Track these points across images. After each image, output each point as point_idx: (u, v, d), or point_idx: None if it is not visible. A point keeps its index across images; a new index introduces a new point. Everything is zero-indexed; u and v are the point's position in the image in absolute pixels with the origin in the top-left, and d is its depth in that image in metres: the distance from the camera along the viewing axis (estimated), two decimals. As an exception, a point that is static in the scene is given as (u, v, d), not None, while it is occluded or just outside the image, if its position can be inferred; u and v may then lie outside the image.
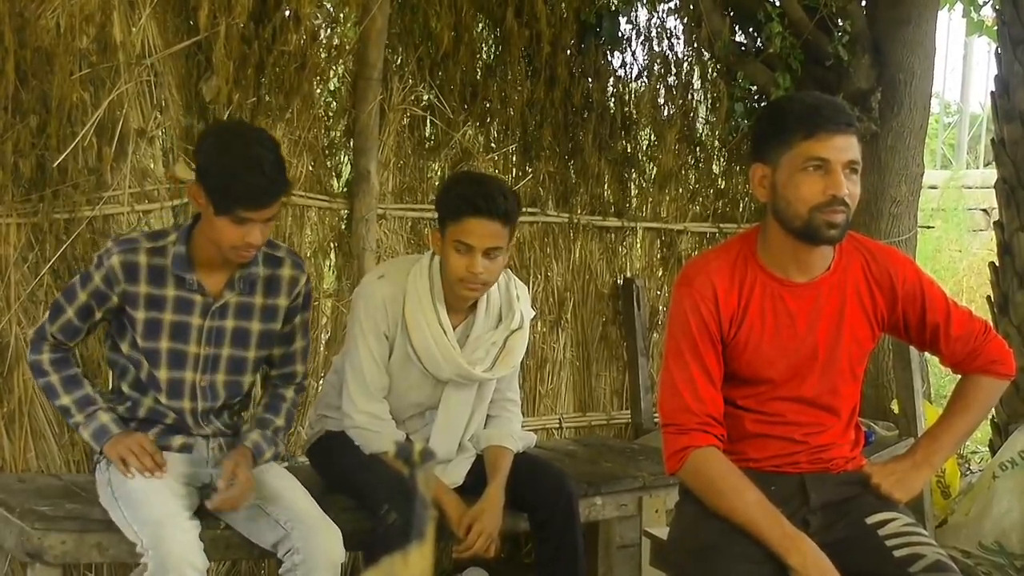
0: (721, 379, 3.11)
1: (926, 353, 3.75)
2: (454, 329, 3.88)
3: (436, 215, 3.90)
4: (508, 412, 4.09)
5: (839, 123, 2.98)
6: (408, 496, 3.35)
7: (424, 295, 3.83)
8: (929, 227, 9.22)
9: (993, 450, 6.01)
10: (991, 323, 6.13)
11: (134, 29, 4.47)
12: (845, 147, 2.99)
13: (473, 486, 3.89)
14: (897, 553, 2.99)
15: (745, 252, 3.15)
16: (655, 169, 6.12)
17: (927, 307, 3.19)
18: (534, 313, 4.18)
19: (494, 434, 4.00)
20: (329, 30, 5.15)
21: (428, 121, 5.36)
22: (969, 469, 6.66)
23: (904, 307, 3.18)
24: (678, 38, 6.20)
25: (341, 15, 5.16)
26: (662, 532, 3.67)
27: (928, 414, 5.45)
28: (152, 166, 4.58)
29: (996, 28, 6.42)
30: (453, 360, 3.85)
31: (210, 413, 3.67)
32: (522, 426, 4.16)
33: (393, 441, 3.72)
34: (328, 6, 5.19)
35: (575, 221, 5.76)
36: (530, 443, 4.18)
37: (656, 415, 5.90)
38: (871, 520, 3.08)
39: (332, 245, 5.13)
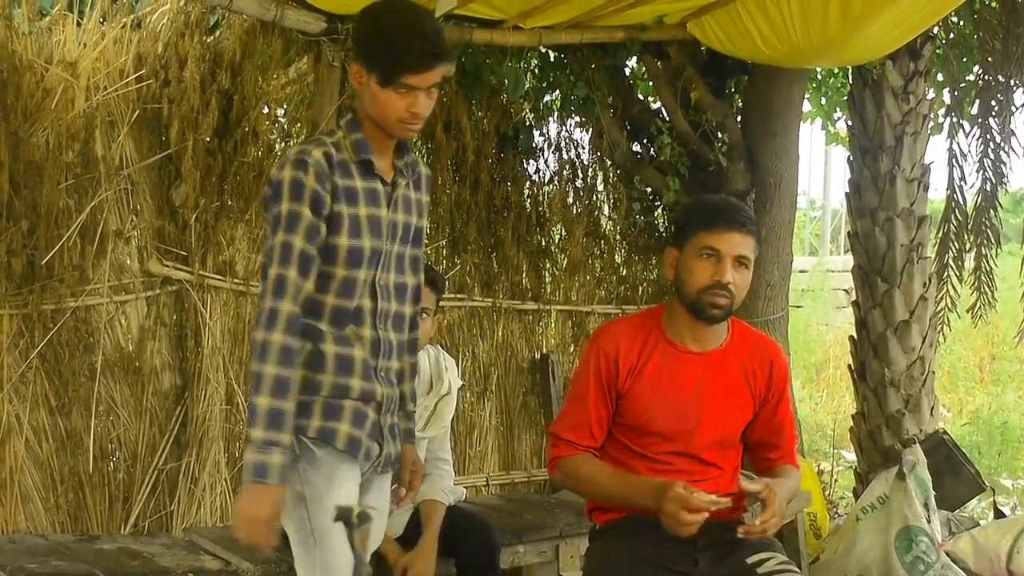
0: (608, 420, 3.21)
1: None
2: None
3: None
4: (440, 470, 4.08)
5: (735, 222, 3.09)
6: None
7: None
8: (799, 306, 9.36)
9: (856, 496, 6.08)
10: (853, 388, 6.29)
11: (113, 145, 4.49)
12: (738, 243, 3.07)
13: (411, 537, 3.88)
14: None
15: (651, 322, 3.24)
16: (566, 259, 6.16)
17: (783, 400, 3.30)
18: (461, 383, 4.22)
19: (428, 489, 3.98)
20: (283, 143, 5.16)
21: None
22: (837, 513, 6.72)
23: (771, 395, 3.27)
24: (583, 147, 6.26)
25: (294, 130, 5.19)
26: (576, 575, 3.69)
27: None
28: (128, 262, 4.57)
29: (848, 139, 6.59)
30: None
31: (392, 350, 3.02)
32: (453, 482, 4.15)
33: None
34: (282, 122, 5.21)
35: (497, 305, 5.78)
36: (460, 497, 4.18)
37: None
38: (751, 560, 3.11)
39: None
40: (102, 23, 4.49)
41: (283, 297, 2.77)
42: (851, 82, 6.31)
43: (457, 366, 4.24)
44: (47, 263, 4.27)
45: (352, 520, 2.73)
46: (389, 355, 3.00)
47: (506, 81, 5.58)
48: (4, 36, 4.20)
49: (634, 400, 3.16)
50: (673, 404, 3.16)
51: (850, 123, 6.33)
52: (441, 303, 4.08)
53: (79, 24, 4.43)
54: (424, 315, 3.74)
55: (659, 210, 6.39)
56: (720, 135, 5.87)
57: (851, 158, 6.30)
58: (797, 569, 3.13)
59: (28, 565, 3.44)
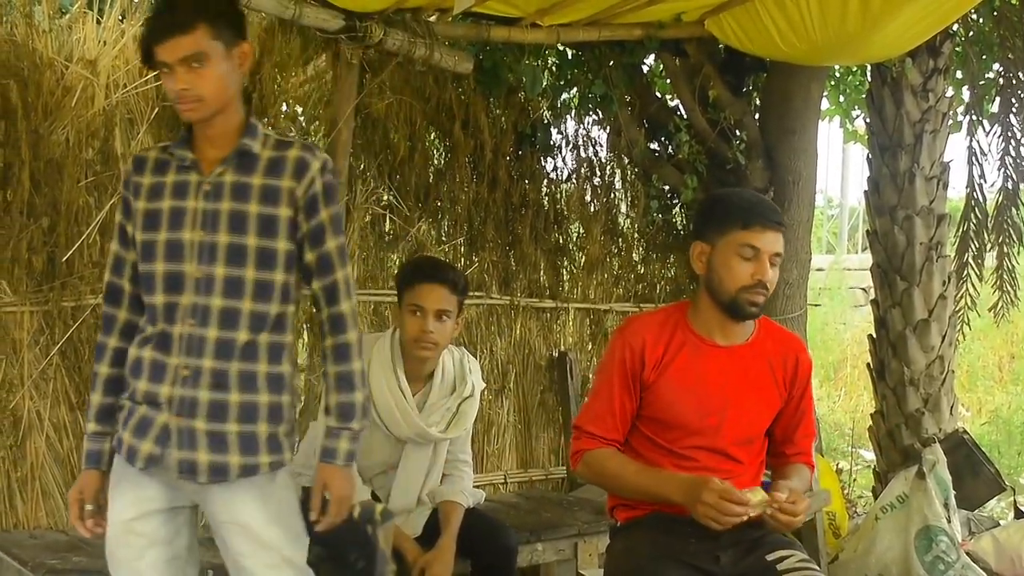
0: (632, 414, 3.19)
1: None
2: (414, 395, 3.89)
3: (396, 293, 3.96)
4: (460, 472, 4.08)
5: (772, 220, 3.10)
6: (370, 549, 3.35)
7: (386, 363, 3.85)
8: (817, 305, 9.33)
9: (875, 495, 6.06)
10: (872, 386, 6.26)
11: (132, 142, 4.49)
12: (773, 241, 3.08)
13: (429, 536, 3.88)
14: None
15: (676, 316, 3.22)
16: (584, 257, 6.16)
17: (805, 397, 3.29)
18: (484, 385, 4.19)
19: (448, 490, 3.99)
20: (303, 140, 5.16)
21: (387, 218, 5.37)
22: (856, 512, 6.70)
23: (795, 391, 3.26)
24: (601, 145, 6.26)
25: (312, 128, 5.19)
26: (596, 574, 3.67)
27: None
28: (148, 259, 4.56)
29: (867, 137, 6.56)
30: (412, 421, 3.85)
31: (205, 348, 2.79)
32: (472, 484, 4.15)
33: (359, 503, 3.70)
34: (301, 121, 5.22)
35: (515, 303, 5.77)
36: (479, 499, 4.16)
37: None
38: (771, 557, 3.09)
39: (305, 326, 5.12)
40: (121, 21, 4.51)
41: (104, 300, 2.96)
42: (870, 80, 6.28)
43: (479, 368, 4.24)
44: (67, 260, 4.29)
45: (375, 518, 2.75)
46: (199, 353, 2.78)
47: (524, 79, 5.58)
48: (25, 34, 4.22)
49: (659, 393, 3.15)
50: (699, 398, 3.15)
51: (868, 121, 6.30)
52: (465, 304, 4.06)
53: (99, 22, 4.45)
54: (444, 317, 3.78)
55: (677, 208, 6.39)
56: (738, 133, 5.85)
57: (870, 156, 6.27)
58: (817, 567, 3.12)
59: (49, 561, 3.45)
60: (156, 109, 4.53)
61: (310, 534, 3.90)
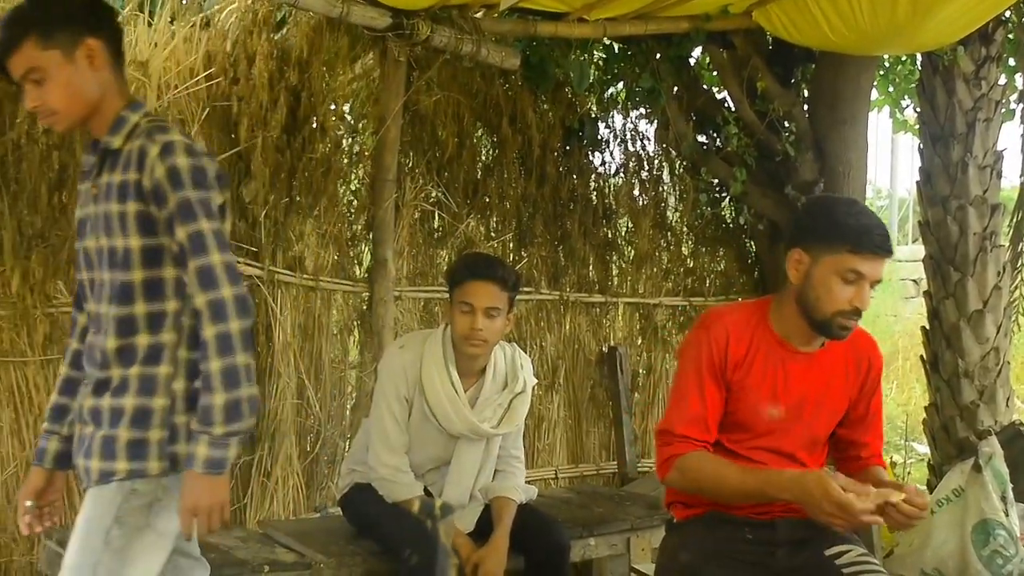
0: (721, 413, 3.06)
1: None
2: (466, 391, 3.88)
3: (448, 289, 3.96)
4: (513, 468, 4.07)
5: (883, 248, 2.97)
6: (429, 543, 3.36)
7: (438, 359, 3.85)
8: (868, 296, 9.21)
9: (930, 488, 5.99)
10: (925, 379, 6.19)
11: (184, 142, 4.52)
12: (879, 268, 2.97)
13: (481, 533, 3.88)
14: None
15: (758, 315, 3.13)
16: (632, 252, 6.15)
17: (876, 396, 3.22)
18: (535, 381, 4.17)
19: (500, 486, 3.99)
20: (350, 139, 5.20)
21: (436, 215, 5.39)
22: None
23: (865, 391, 3.19)
24: (649, 139, 6.25)
25: (360, 126, 5.22)
26: (649, 568, 3.64)
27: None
28: (201, 258, 4.60)
29: (918, 126, 6.48)
30: (464, 416, 3.85)
31: (96, 357, 2.68)
32: (524, 480, 4.15)
33: (418, 498, 3.72)
34: (349, 119, 5.24)
35: (565, 298, 5.78)
36: (532, 496, 4.15)
37: (640, 465, 5.90)
38: (829, 552, 3.05)
39: (355, 324, 5.14)
40: (172, 23, 4.54)
41: (73, 302, 2.95)
42: (920, 69, 6.20)
43: (531, 363, 4.22)
44: (121, 260, 4.32)
45: (435, 512, 2.76)
46: (91, 362, 2.71)
47: (571, 74, 5.58)
48: (77, 37, 4.25)
49: (736, 393, 3.07)
50: (774, 402, 3.07)
51: (919, 110, 6.21)
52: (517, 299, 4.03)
53: (150, 24, 4.48)
54: (494, 314, 3.77)
55: (726, 201, 6.36)
56: (787, 124, 5.81)
57: (921, 146, 6.19)
58: (877, 563, 3.07)
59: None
60: (207, 110, 4.56)
61: (366, 528, 3.94)
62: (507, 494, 3.96)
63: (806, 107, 5.99)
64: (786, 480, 2.87)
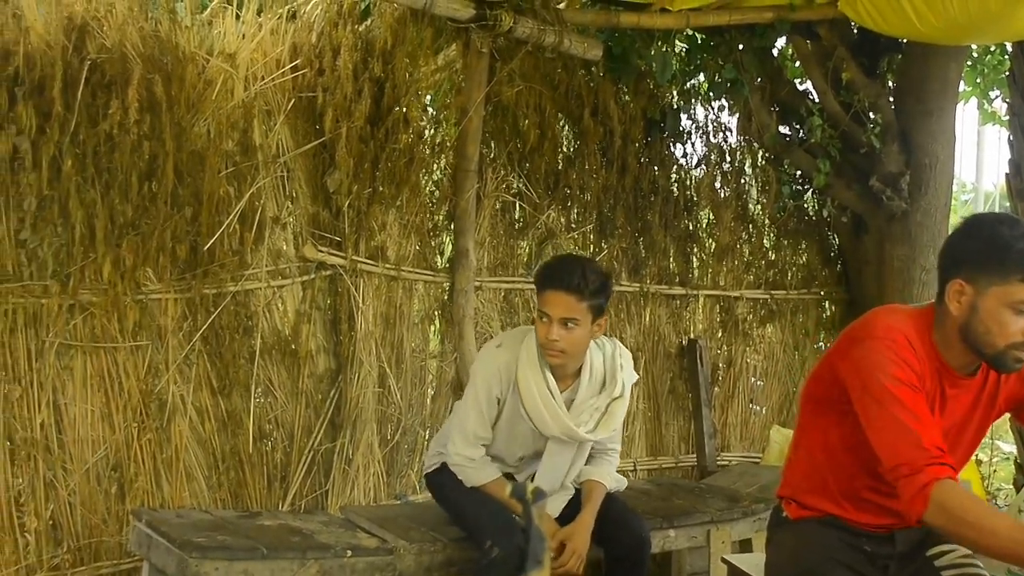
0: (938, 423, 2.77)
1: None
2: (562, 392, 3.81)
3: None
4: (608, 456, 4.05)
5: None
6: (513, 533, 3.36)
7: (534, 361, 3.78)
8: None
9: (1017, 488, 5.89)
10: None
11: (270, 133, 4.59)
12: None
13: (566, 519, 3.87)
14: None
15: (923, 328, 2.85)
16: (714, 244, 6.11)
17: None
18: (637, 377, 4.10)
19: (593, 471, 3.96)
20: (433, 130, 5.22)
21: (517, 206, 5.40)
22: (996, 504, 6.52)
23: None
24: (731, 131, 6.20)
25: (443, 117, 5.24)
26: (738, 560, 3.58)
27: None
28: (285, 248, 4.67)
29: (1007, 118, 6.36)
30: (560, 420, 3.79)
31: None
32: (616, 470, 4.11)
33: (510, 483, 3.72)
34: (431, 110, 5.27)
35: (645, 290, 5.76)
36: (621, 486, 4.13)
37: (719, 459, 5.87)
38: (931, 552, 2.94)
39: (436, 313, 5.17)
40: (259, 15, 4.60)
41: None
42: (1011, 58, 6.08)
43: (631, 360, 4.09)
44: (209, 249, 4.40)
45: (527, 497, 2.78)
46: None
47: (653, 65, 5.56)
48: (168, 30, 4.34)
49: None
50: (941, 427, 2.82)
51: (1009, 101, 6.09)
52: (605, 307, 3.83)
53: (237, 16, 4.55)
54: (571, 324, 3.68)
55: (809, 193, 6.30)
56: (872, 116, 5.75)
57: (1011, 138, 6.06)
58: (979, 564, 2.92)
59: (196, 539, 3.55)
60: (292, 101, 4.62)
61: (449, 508, 3.95)
62: (598, 478, 3.94)
63: (892, 98, 5.90)
64: None
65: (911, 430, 2.65)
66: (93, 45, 4.15)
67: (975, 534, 2.58)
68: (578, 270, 3.72)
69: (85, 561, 4.19)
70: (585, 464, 3.99)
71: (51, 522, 4.13)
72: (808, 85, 6.09)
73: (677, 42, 5.92)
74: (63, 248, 4.15)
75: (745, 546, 4.49)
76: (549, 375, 3.79)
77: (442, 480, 3.98)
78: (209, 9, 4.58)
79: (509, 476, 3.90)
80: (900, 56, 5.91)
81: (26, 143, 4.03)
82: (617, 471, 4.14)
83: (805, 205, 6.33)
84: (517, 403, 3.81)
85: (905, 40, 5.62)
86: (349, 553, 3.68)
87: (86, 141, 4.14)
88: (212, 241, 4.39)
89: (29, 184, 4.04)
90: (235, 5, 4.56)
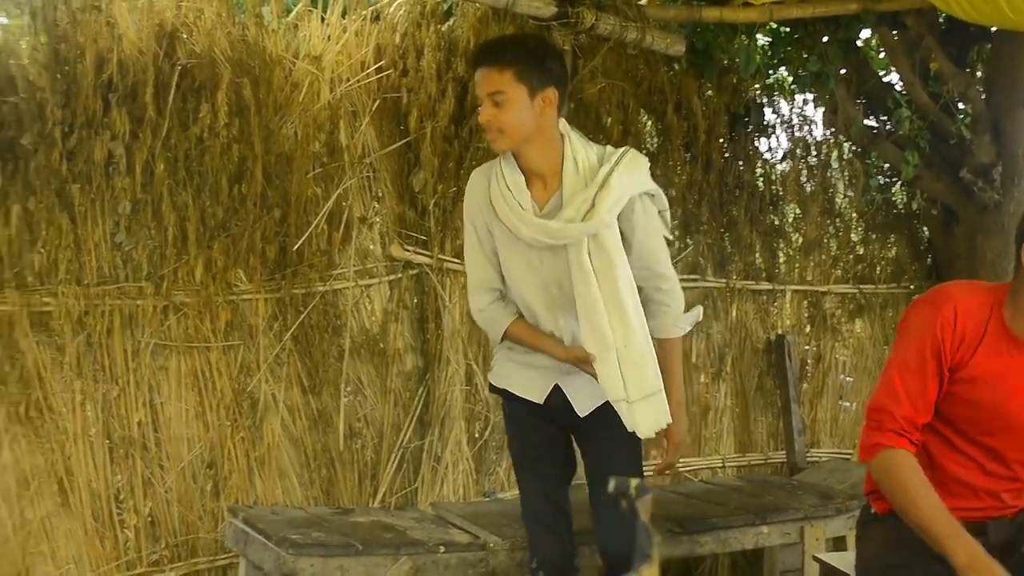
0: (934, 397, 2.84)
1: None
2: (548, 201, 3.31)
3: None
4: (660, 296, 3.41)
5: None
6: (556, 554, 3.28)
7: (505, 169, 3.33)
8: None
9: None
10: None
11: (356, 134, 4.64)
12: None
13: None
14: None
15: (992, 301, 2.85)
16: (800, 238, 6.04)
17: None
18: (651, 189, 3.42)
19: (654, 326, 3.39)
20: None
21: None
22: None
23: None
24: (815, 124, 6.13)
25: (526, 115, 5.24)
26: (831, 558, 3.53)
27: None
28: (372, 247, 4.71)
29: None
30: (528, 219, 3.28)
31: None
32: (687, 467, 3.99)
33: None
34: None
35: (731, 286, 5.71)
36: (698, 317, 3.56)
37: (809, 455, 5.80)
38: None
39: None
40: (343, 17, 4.65)
41: None
42: (1106, 45, 5.94)
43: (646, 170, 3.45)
44: (297, 250, 4.46)
45: (630, 492, 2.75)
46: None
47: (737, 59, 5.51)
48: (255, 34, 4.40)
49: (961, 383, 2.83)
50: (998, 395, 2.83)
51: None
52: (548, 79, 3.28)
53: (323, 19, 4.60)
54: (498, 100, 3.23)
55: (897, 186, 6.20)
56: (962, 106, 5.63)
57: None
58: None
59: (291, 536, 3.59)
60: (377, 101, 4.67)
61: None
62: (663, 333, 3.42)
63: (981, 88, 5.78)
64: (963, 548, 2.64)
65: (896, 392, 2.81)
66: (183, 51, 4.24)
67: (902, 499, 2.76)
68: (498, 41, 3.48)
69: (182, 557, 4.27)
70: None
71: (149, 519, 4.22)
72: (894, 76, 5.99)
73: (760, 36, 5.87)
74: (156, 250, 4.25)
75: (839, 544, 4.43)
76: (517, 176, 3.32)
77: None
78: (294, 12, 4.64)
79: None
80: (989, 45, 5.80)
81: (120, 148, 4.12)
82: (704, 468, 3.93)
83: (893, 198, 6.23)
84: (499, 224, 3.38)
85: (994, 29, 5.50)
86: (442, 549, 3.70)
87: (177, 145, 4.23)
88: (300, 242, 4.45)
89: (123, 188, 4.14)
90: (320, 8, 4.61)
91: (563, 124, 3.34)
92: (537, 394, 3.45)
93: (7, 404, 4.00)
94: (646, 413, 3.31)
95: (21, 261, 4.02)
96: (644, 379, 3.30)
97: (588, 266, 3.27)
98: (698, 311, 3.57)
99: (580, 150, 3.33)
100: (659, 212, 3.44)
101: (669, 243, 3.50)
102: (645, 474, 3.51)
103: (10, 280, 3.99)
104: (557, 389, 3.41)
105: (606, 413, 3.34)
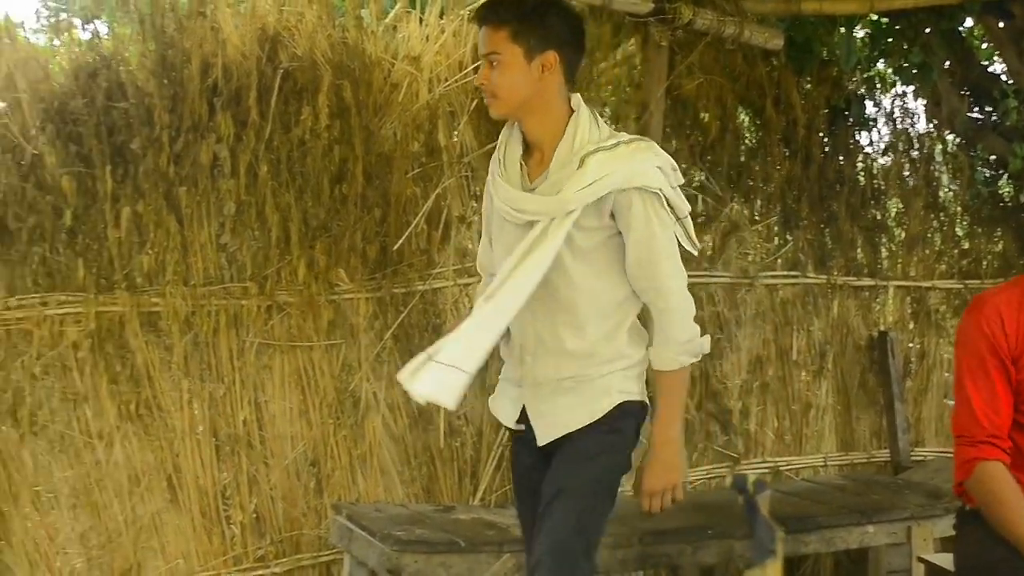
0: (1009, 395, 2.82)
1: None
2: (539, 176, 2.91)
3: None
4: (659, 315, 2.94)
5: None
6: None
7: (511, 134, 3.03)
8: None
9: None
10: None
11: (454, 134, 4.66)
12: None
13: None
14: None
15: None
16: (903, 233, 5.92)
17: None
18: (653, 185, 2.85)
19: (650, 354, 2.96)
20: (612, 126, 5.20)
21: (700, 199, 5.32)
22: None
23: None
24: (918, 116, 6.01)
25: (621, 114, 5.22)
26: (937, 559, 3.46)
27: None
28: (470, 246, 4.72)
29: None
30: (502, 189, 2.96)
31: None
32: (788, 466, 3.89)
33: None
34: (607, 109, 5.25)
35: (832, 282, 5.62)
36: (704, 349, 2.98)
37: (913, 454, 5.69)
38: None
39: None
40: (441, 18, 4.68)
41: None
42: None
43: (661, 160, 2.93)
44: (397, 249, 4.50)
45: (748, 488, 2.73)
46: None
47: (837, 52, 5.43)
48: (355, 36, 4.45)
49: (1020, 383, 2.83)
50: None
51: None
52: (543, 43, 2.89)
53: (420, 20, 4.63)
54: (495, 60, 2.89)
55: (1004, 179, 6.05)
56: (1071, 96, 5.50)
57: None
58: None
59: (395, 532, 3.63)
60: (474, 101, 4.68)
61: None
62: (657, 365, 2.95)
63: (1091, 77, 5.63)
64: None
65: (973, 406, 2.82)
66: (285, 54, 4.31)
67: (1004, 513, 2.77)
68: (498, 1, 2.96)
69: (287, 553, 4.33)
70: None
71: (255, 515, 4.29)
72: (999, 66, 5.86)
73: (861, 27, 5.78)
74: (260, 251, 4.31)
75: (947, 545, 4.33)
76: (515, 146, 3.00)
77: None
78: (393, 14, 4.67)
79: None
80: (1100, 33, 5.64)
81: (225, 151, 4.20)
82: (806, 467, 3.80)
83: (1000, 191, 6.09)
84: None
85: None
86: (462, 543, 3.69)
87: (280, 147, 4.29)
88: (400, 241, 4.49)
89: (228, 190, 4.21)
90: (418, 9, 4.65)
91: (576, 99, 2.96)
92: (508, 415, 3.10)
93: (119, 402, 4.10)
94: (433, 377, 2.79)
95: (131, 263, 4.12)
96: (471, 351, 2.81)
97: (539, 248, 2.82)
98: (705, 341, 2.99)
99: (584, 127, 2.91)
100: (677, 218, 2.94)
101: (696, 254, 3.17)
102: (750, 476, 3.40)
103: (120, 281, 4.09)
104: (524, 412, 3.02)
105: (577, 440, 2.91)
